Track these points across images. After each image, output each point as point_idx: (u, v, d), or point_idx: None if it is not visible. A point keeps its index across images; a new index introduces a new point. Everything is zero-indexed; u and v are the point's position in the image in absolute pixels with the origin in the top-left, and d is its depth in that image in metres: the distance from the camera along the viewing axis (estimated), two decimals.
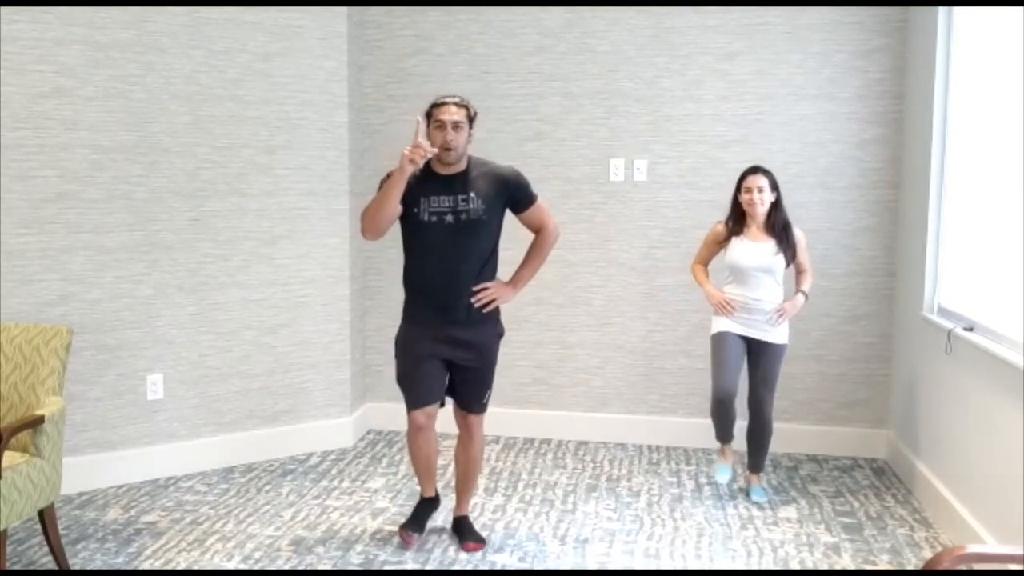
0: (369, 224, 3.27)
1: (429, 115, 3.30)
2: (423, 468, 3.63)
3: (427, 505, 3.70)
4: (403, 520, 3.80)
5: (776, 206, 3.98)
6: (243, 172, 4.48)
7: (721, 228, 4.07)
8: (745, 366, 4.07)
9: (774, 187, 3.96)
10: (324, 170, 4.69)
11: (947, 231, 4.05)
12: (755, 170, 3.98)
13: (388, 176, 3.26)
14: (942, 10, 4.02)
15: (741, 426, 4.17)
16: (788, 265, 4.00)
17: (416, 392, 3.44)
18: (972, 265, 3.79)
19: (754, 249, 3.96)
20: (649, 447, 4.91)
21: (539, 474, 4.48)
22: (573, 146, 4.90)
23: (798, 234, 4.02)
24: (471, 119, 3.31)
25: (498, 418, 5.05)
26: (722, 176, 4.68)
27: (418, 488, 4.16)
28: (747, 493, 4.16)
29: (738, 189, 4.01)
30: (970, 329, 3.60)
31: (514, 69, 4.91)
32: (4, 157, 3.92)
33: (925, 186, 4.15)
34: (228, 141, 4.42)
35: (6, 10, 3.87)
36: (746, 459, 4.23)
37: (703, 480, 4.37)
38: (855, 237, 4.70)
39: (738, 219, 4.02)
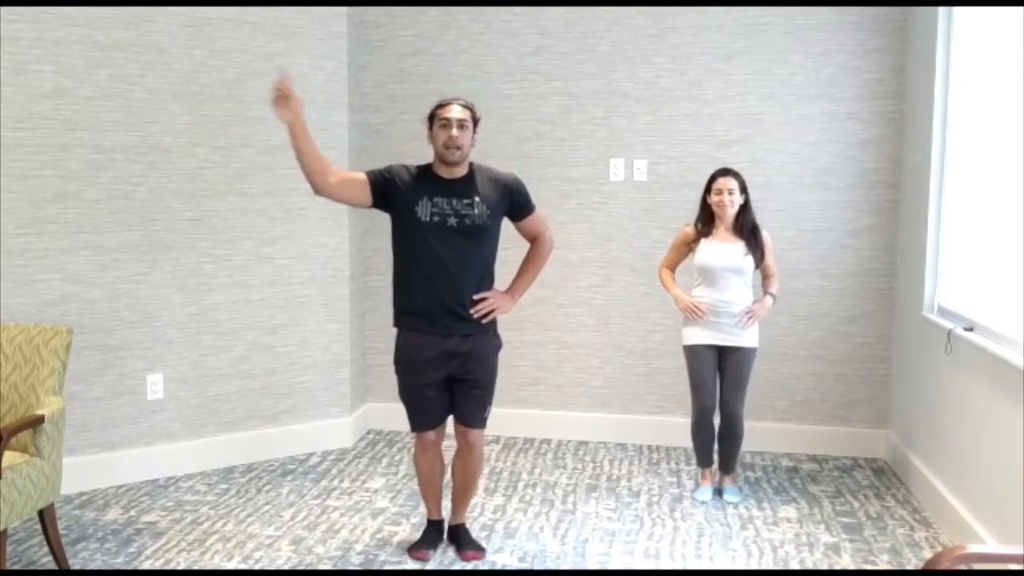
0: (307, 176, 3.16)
1: (432, 116, 3.25)
2: (432, 488, 3.56)
3: (435, 528, 3.62)
4: (401, 523, 3.79)
5: (745, 208, 3.99)
6: (243, 172, 4.48)
7: (690, 230, 4.08)
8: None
9: (743, 189, 3.99)
10: None
11: (947, 231, 4.05)
12: (725, 172, 4.00)
13: (392, 166, 3.29)
14: (942, 10, 4.02)
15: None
16: (757, 267, 4.01)
17: (422, 417, 3.40)
18: (972, 265, 3.79)
19: (723, 250, 3.97)
20: (649, 447, 4.91)
21: (539, 474, 4.48)
22: (573, 146, 4.90)
23: (766, 236, 4.04)
24: (475, 121, 3.28)
25: (498, 418, 5.02)
26: None
27: (418, 488, 4.16)
28: (720, 494, 4.16)
29: (707, 190, 4.02)
30: (970, 329, 3.60)
31: (514, 69, 4.91)
32: (4, 157, 3.92)
33: (925, 186, 4.15)
34: (228, 141, 4.42)
35: (6, 10, 3.87)
36: (717, 459, 4.23)
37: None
38: (855, 237, 4.70)
39: (707, 221, 4.04)
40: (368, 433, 5.13)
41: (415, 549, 3.53)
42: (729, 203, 3.94)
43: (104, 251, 4.17)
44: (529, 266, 3.50)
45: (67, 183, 4.07)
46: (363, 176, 3.24)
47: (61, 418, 3.21)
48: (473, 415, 3.41)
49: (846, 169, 4.67)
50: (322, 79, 4.64)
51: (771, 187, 4.71)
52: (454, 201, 3.23)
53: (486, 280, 3.35)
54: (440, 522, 3.62)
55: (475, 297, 3.29)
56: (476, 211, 3.24)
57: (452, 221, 3.22)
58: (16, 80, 3.92)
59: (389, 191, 3.24)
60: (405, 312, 3.35)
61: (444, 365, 3.31)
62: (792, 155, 4.71)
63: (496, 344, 3.43)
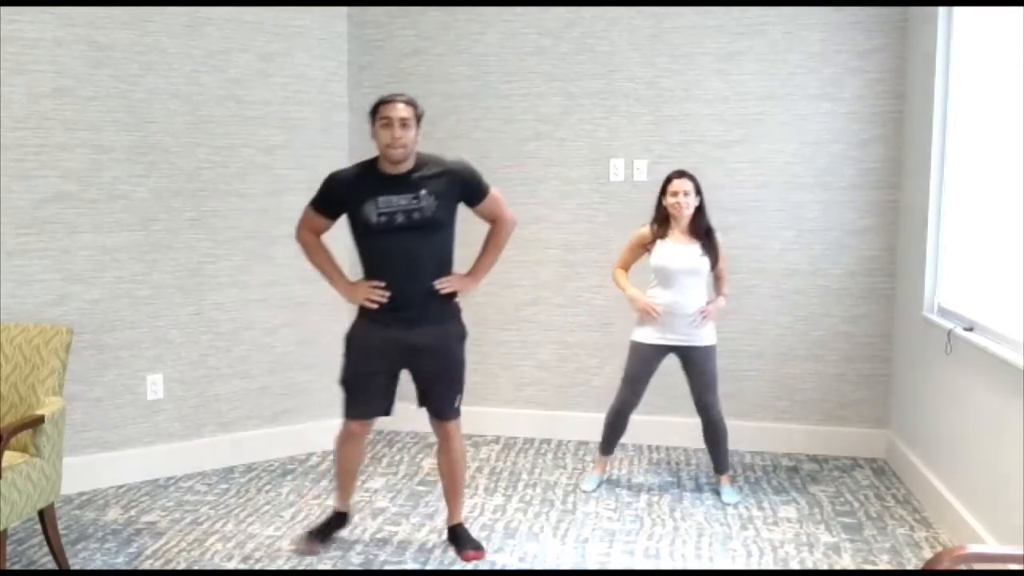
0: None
1: (375, 112, 3.22)
2: (346, 477, 3.60)
3: (339, 520, 3.65)
4: (401, 523, 3.79)
5: (700, 210, 4.02)
6: (243, 172, 4.48)
7: (647, 231, 4.10)
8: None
9: (698, 191, 4.01)
10: (324, 170, 4.62)
11: (947, 231, 4.05)
12: (680, 174, 4.03)
13: (329, 182, 3.36)
14: (942, 10, 4.02)
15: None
16: (712, 268, 4.03)
17: (359, 404, 3.42)
18: (972, 265, 3.79)
19: (680, 251, 3.99)
20: (649, 447, 4.91)
21: (539, 474, 4.48)
22: (573, 146, 4.90)
23: (719, 238, 4.06)
24: (419, 118, 3.24)
25: (498, 418, 5.07)
26: (722, 176, 4.68)
27: (419, 488, 4.18)
28: (718, 494, 4.16)
29: (663, 192, 4.04)
30: (970, 329, 3.60)
31: (514, 69, 4.91)
32: (4, 157, 3.92)
33: (925, 186, 4.15)
34: (228, 141, 4.42)
35: (6, 10, 3.87)
36: (711, 463, 4.24)
37: (703, 480, 4.37)
38: (855, 237, 4.70)
39: (662, 222, 4.06)
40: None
41: (309, 537, 3.56)
42: (685, 204, 3.96)
43: (104, 251, 4.17)
44: (490, 247, 3.48)
45: (67, 183, 4.07)
46: (312, 211, 3.40)
47: (61, 418, 3.21)
48: (445, 407, 3.42)
49: (846, 169, 4.67)
50: (322, 79, 4.64)
51: (771, 187, 4.71)
52: (400, 198, 3.21)
53: (446, 269, 3.35)
54: (345, 515, 3.66)
55: (436, 283, 3.29)
56: (424, 204, 3.21)
57: (400, 219, 3.21)
58: (16, 80, 3.92)
59: (338, 208, 3.34)
60: (369, 310, 3.37)
61: (401, 357, 3.33)
62: (792, 155, 4.70)
63: (460, 333, 3.43)
